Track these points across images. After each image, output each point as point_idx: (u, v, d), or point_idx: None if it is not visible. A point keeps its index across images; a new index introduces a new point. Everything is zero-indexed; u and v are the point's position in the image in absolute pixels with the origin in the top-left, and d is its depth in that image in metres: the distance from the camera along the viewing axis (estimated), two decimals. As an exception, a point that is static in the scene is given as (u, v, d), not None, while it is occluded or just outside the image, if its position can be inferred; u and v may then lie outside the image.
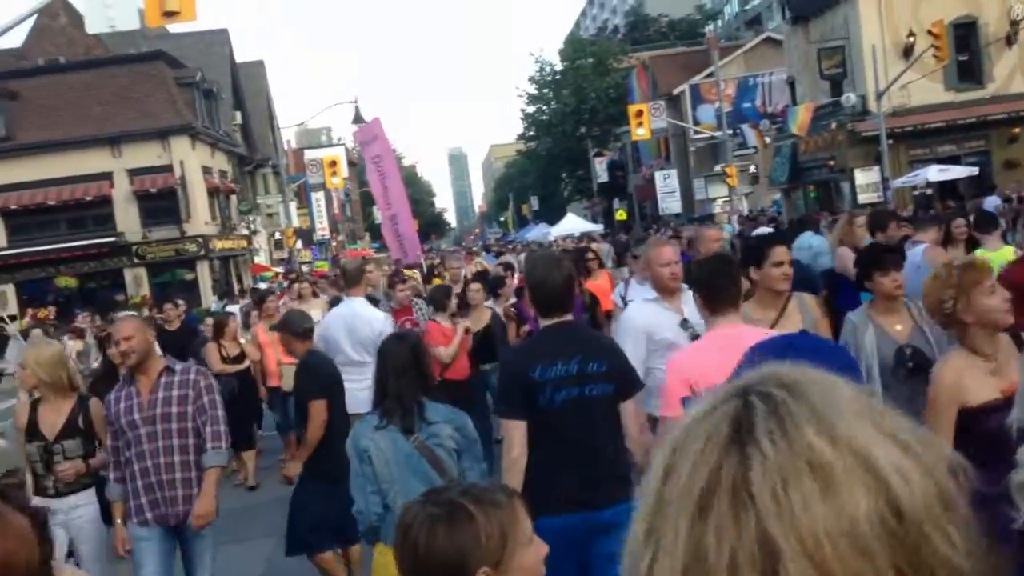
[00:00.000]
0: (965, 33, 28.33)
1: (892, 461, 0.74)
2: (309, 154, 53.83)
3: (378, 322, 7.36)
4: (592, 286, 9.11)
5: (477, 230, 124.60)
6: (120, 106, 32.10)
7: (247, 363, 9.95)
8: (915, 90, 27.31)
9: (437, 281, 13.70)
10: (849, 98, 28.03)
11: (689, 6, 71.64)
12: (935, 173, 25.04)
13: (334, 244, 53.42)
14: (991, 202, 17.79)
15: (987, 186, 25.69)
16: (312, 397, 5.70)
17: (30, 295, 31.44)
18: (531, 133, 64.92)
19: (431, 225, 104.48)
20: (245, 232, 39.50)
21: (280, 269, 36.35)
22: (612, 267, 16.05)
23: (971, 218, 8.12)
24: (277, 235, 45.98)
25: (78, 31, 33.67)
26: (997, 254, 6.82)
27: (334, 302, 9.78)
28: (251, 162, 44.11)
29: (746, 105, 43.34)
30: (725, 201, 40.38)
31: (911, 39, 27.43)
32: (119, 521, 5.11)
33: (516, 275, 11.67)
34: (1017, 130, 28.17)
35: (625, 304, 6.42)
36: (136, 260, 32.56)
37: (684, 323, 4.92)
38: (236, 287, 31.22)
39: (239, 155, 41.47)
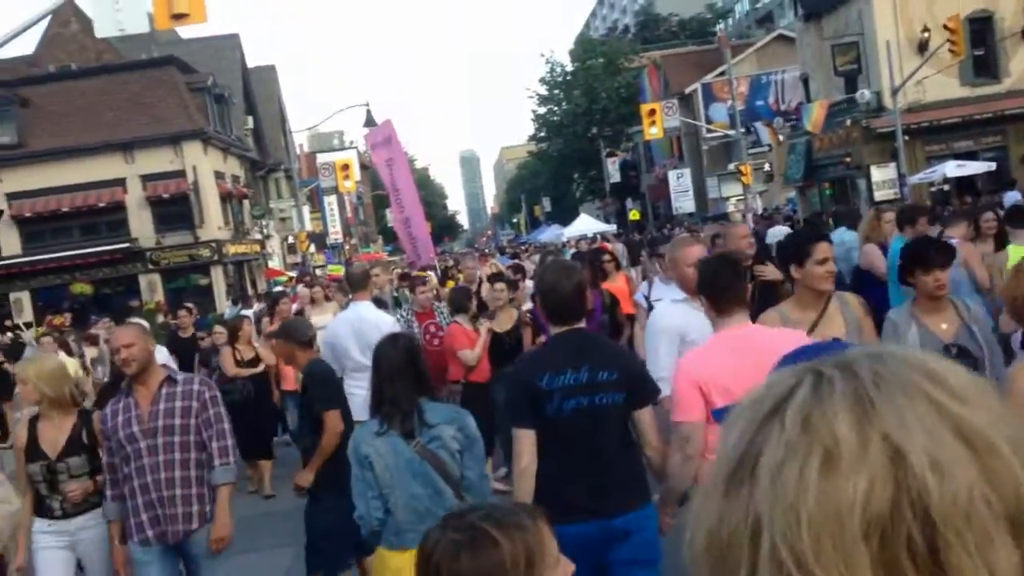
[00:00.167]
0: (981, 27, 28.05)
1: (932, 455, 0.68)
2: (321, 158, 53.90)
3: (386, 325, 7.25)
4: (610, 288, 8.93)
5: (489, 232, 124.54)
6: (132, 112, 32.13)
7: (262, 367, 9.86)
8: (930, 85, 27.05)
9: (451, 283, 13.57)
10: (864, 94, 27.80)
11: (699, 5, 71.42)
12: (952, 169, 24.79)
13: (347, 248, 53.37)
14: (1011, 197, 17.53)
15: (1005, 181, 25.38)
16: (327, 407, 5.54)
17: (45, 302, 31.47)
18: (542, 134, 64.77)
19: (444, 227, 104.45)
20: (258, 236, 39.52)
21: (294, 273, 36.31)
22: (627, 266, 15.89)
23: (999, 212, 7.93)
24: (290, 239, 46.00)
25: (90, 38, 33.72)
26: (1029, 249, 6.63)
27: (348, 307, 9.67)
28: (263, 166, 44.14)
29: (759, 103, 43.12)
30: (739, 199, 40.15)
31: (926, 34, 27.16)
32: (116, 542, 4.91)
33: (528, 279, 11.48)
34: (1034, 124, 27.87)
35: (650, 305, 6.26)
36: (150, 266, 32.59)
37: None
38: (252, 292, 31.21)
39: (251, 160, 41.50)
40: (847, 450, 0.69)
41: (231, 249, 34.30)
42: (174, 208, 32.13)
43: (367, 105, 29.07)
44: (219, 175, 34.61)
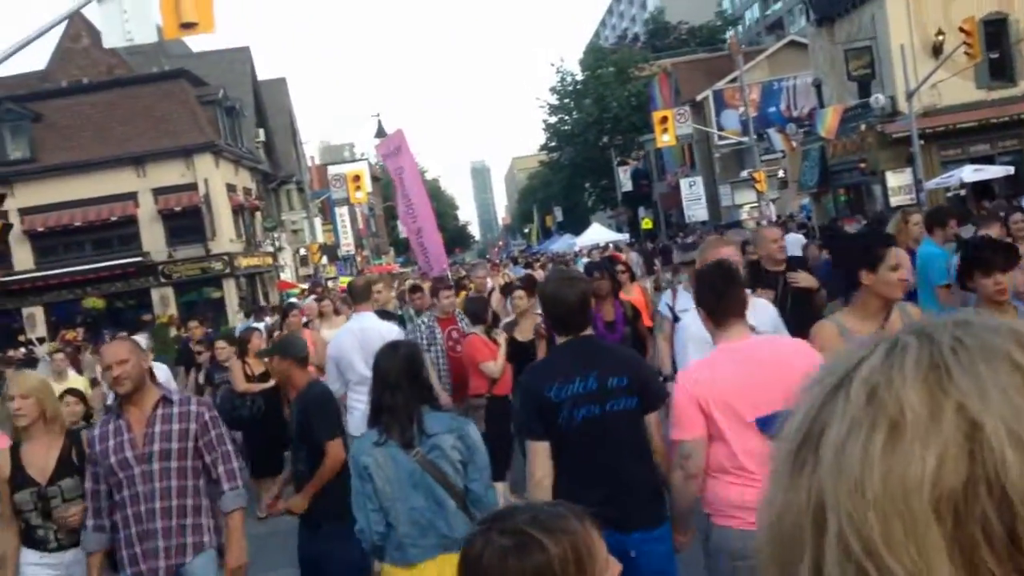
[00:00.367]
0: (996, 30, 27.74)
1: (1013, 429, 0.62)
2: (332, 170, 53.91)
3: (391, 332, 7.10)
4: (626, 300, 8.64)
5: (501, 242, 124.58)
6: (143, 125, 32.17)
7: (273, 381, 9.66)
8: (946, 89, 26.77)
9: (463, 294, 13.36)
10: (879, 99, 27.54)
11: (709, 13, 71.34)
12: (970, 173, 24.49)
13: (359, 259, 53.35)
14: (1032, 200, 17.28)
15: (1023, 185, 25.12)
16: (329, 436, 5.20)
17: (58, 317, 31.52)
18: (553, 144, 64.69)
19: (455, 238, 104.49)
20: (270, 249, 39.49)
21: (306, 285, 36.25)
22: (641, 276, 15.65)
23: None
24: (302, 251, 45.98)
25: (101, 52, 33.86)
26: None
27: (352, 319, 9.43)
28: (275, 179, 44.15)
29: (771, 109, 42.89)
30: (752, 207, 39.90)
31: (940, 37, 26.90)
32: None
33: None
34: (1052, 127, 27.55)
35: (675, 316, 6.00)
36: (163, 279, 32.56)
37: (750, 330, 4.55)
38: (265, 304, 31.14)
39: (263, 172, 41.52)
40: (915, 422, 0.63)
41: (243, 262, 34.26)
42: (186, 221, 32.10)
43: (378, 116, 29.14)
44: (230, 188, 34.60)
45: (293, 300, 22.55)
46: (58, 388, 6.82)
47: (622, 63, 59.05)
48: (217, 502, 4.49)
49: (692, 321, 4.82)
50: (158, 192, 32.10)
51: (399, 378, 3.89)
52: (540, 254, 43.20)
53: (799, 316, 4.48)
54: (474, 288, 12.09)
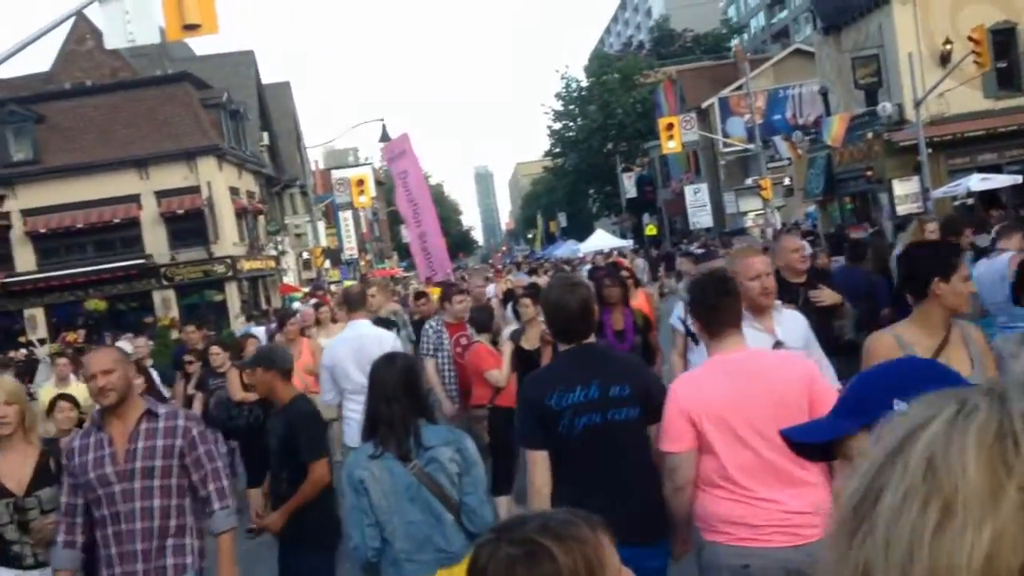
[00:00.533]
0: (1004, 39, 27.62)
1: None
2: (336, 174, 53.87)
3: (388, 340, 6.97)
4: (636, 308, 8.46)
5: (505, 248, 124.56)
6: (147, 128, 32.12)
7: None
8: (953, 98, 26.62)
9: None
10: (886, 107, 27.39)
11: (714, 20, 71.37)
12: (977, 182, 24.34)
13: (362, 264, 53.23)
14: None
15: (1031, 194, 24.97)
16: (314, 457, 4.95)
17: (60, 318, 31.47)
18: (558, 149, 64.65)
19: (459, 243, 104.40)
20: (273, 252, 39.41)
21: (308, 289, 36.15)
22: (647, 282, 15.49)
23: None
24: (305, 255, 45.87)
25: (105, 55, 33.81)
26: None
27: (347, 327, 9.12)
28: (278, 182, 44.07)
29: (776, 117, 42.81)
30: (757, 214, 39.75)
31: (948, 46, 26.77)
32: None
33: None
34: (1060, 137, 27.39)
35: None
36: (164, 282, 32.48)
37: (777, 345, 4.33)
38: (268, 308, 31.01)
39: (266, 176, 41.45)
40: (971, 499, 0.58)
41: (246, 265, 34.18)
42: (188, 224, 32.03)
43: (382, 120, 29.05)
44: (234, 191, 34.53)
45: (297, 304, 22.41)
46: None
47: (627, 70, 59.04)
48: (205, 522, 4.23)
49: None
50: (161, 195, 32.03)
51: (396, 390, 3.79)
52: (544, 259, 43.07)
53: (818, 333, 4.33)
54: (472, 298, 11.73)
